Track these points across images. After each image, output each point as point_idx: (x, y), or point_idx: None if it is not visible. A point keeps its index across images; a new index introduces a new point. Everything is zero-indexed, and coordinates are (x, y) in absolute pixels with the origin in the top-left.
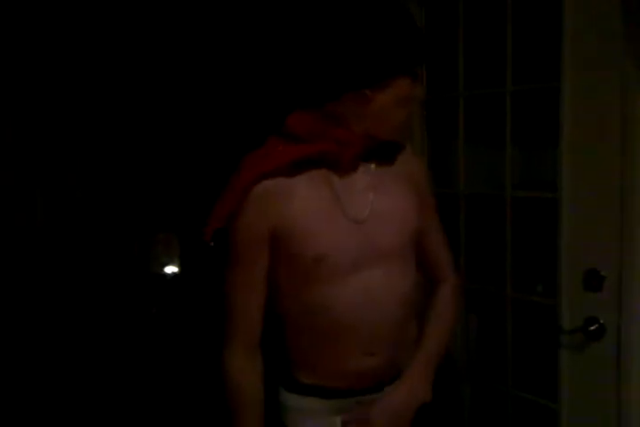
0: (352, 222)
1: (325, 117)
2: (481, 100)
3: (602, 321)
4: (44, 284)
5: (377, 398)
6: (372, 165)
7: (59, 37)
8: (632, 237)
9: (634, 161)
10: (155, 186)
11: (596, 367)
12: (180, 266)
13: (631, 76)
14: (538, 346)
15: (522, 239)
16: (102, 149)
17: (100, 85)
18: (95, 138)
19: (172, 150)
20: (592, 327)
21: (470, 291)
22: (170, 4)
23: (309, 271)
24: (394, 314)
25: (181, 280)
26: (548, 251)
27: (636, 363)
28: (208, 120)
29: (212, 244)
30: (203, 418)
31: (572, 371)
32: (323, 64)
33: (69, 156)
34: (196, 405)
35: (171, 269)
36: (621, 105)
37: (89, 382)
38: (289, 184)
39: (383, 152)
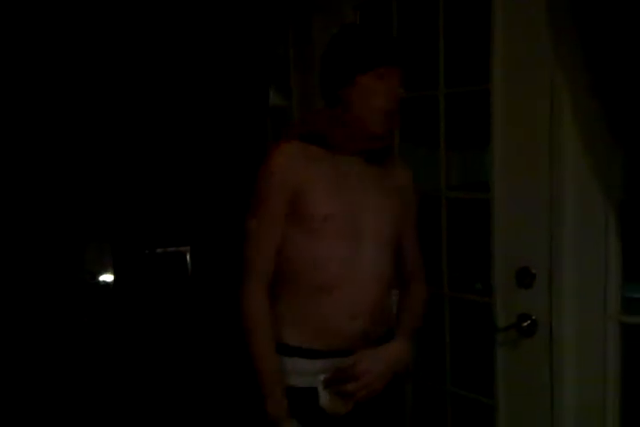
0: (352, 196)
1: (330, 117)
2: (416, 102)
3: (534, 317)
4: None
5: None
6: (373, 165)
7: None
8: (560, 236)
9: (562, 162)
10: (88, 193)
11: (530, 363)
12: (114, 275)
13: (559, 78)
14: (475, 344)
15: (459, 239)
16: (36, 153)
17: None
18: (32, 141)
19: (109, 157)
20: (525, 324)
21: None
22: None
23: (319, 228)
24: (375, 285)
25: (114, 289)
26: (485, 250)
27: (567, 357)
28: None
29: (147, 251)
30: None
31: (507, 367)
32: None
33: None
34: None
35: (103, 278)
36: (550, 107)
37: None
38: (306, 157)
39: (381, 156)
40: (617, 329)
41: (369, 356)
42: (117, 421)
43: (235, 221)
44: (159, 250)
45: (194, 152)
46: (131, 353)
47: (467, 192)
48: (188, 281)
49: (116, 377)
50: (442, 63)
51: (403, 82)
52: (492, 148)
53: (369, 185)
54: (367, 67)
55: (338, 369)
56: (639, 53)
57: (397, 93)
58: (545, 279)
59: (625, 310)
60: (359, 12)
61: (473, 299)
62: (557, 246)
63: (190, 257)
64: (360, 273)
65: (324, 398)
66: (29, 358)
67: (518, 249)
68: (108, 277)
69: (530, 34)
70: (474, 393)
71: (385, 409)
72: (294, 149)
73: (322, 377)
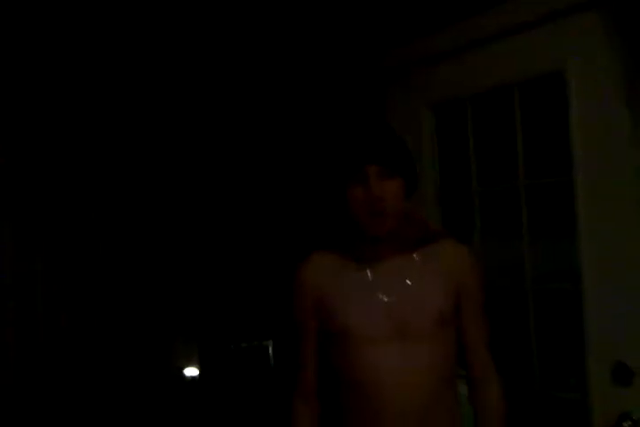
0: (384, 304)
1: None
2: (495, 194)
3: (635, 417)
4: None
5: None
6: (414, 255)
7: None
8: None
9: None
10: (176, 289)
11: None
12: (200, 369)
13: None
14: None
15: (550, 332)
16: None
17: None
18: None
19: (193, 256)
20: (626, 425)
21: None
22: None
23: (337, 339)
24: (421, 383)
25: (200, 383)
26: (578, 344)
27: None
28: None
29: (232, 346)
30: None
31: None
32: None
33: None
34: None
35: (190, 373)
36: (637, 192)
37: None
38: (331, 269)
39: (424, 242)
40: None
41: None
42: None
43: None
44: (244, 344)
45: (274, 246)
46: None
47: (556, 283)
48: (270, 374)
49: None
50: (521, 156)
51: (388, 175)
52: (579, 236)
53: (408, 279)
54: (341, 176)
55: None
56: None
57: (380, 194)
58: None
59: None
60: (434, 113)
61: (567, 397)
62: None
63: (273, 350)
64: (400, 373)
65: None
66: None
67: (613, 343)
68: (193, 371)
69: (607, 119)
70: None
71: None
72: (319, 261)
73: None
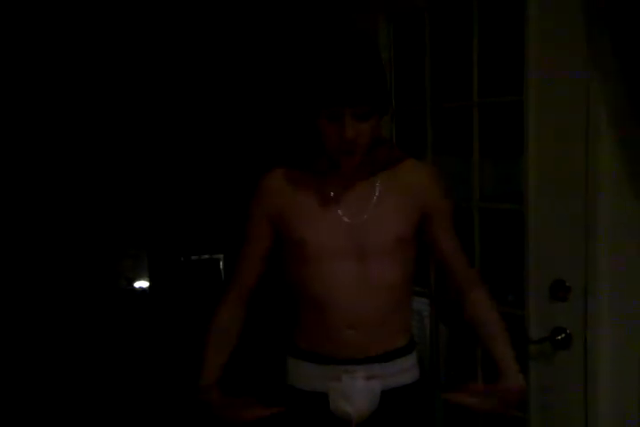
0: (344, 223)
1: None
2: (449, 112)
3: (569, 331)
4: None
5: (363, 369)
6: (378, 177)
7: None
8: (596, 248)
9: (597, 173)
10: (126, 201)
11: (564, 376)
12: (150, 281)
13: (594, 88)
14: None
15: (491, 251)
16: (77, 162)
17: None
18: (71, 148)
19: (146, 168)
20: (559, 337)
21: (440, 301)
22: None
23: (297, 254)
24: (372, 300)
25: (150, 295)
26: (518, 262)
27: (602, 370)
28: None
29: (182, 259)
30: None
31: (540, 380)
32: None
33: (44, 166)
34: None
35: (140, 284)
36: (586, 118)
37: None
38: (293, 182)
39: (387, 165)
40: None
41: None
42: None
43: None
44: (194, 257)
45: (229, 161)
46: (163, 357)
47: (500, 203)
48: (221, 287)
49: (147, 378)
50: (475, 74)
51: (364, 117)
52: (526, 159)
53: (370, 200)
54: (315, 109)
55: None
56: None
57: (354, 136)
58: (580, 293)
59: None
60: (392, 24)
61: (506, 311)
62: (593, 259)
63: (224, 264)
64: (357, 289)
65: (333, 401)
66: (63, 362)
67: (553, 261)
68: (143, 284)
69: (564, 42)
70: None
71: (405, 417)
72: (278, 176)
73: (332, 383)
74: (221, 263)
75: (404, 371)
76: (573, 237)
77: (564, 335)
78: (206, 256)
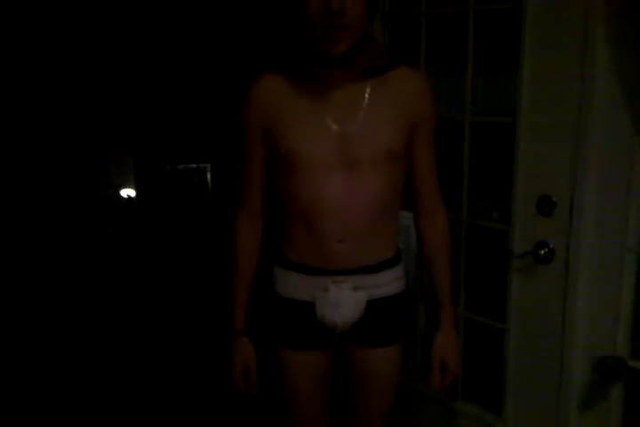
0: (333, 131)
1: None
2: (443, 19)
3: (551, 246)
4: None
5: (351, 280)
6: (369, 84)
7: None
8: (584, 165)
9: (592, 89)
10: (112, 106)
11: (544, 290)
12: (136, 189)
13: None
14: (490, 271)
15: (481, 166)
16: (61, 67)
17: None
18: (56, 56)
19: (132, 72)
20: (542, 251)
21: None
22: None
23: (285, 163)
24: (364, 210)
25: (137, 203)
26: (506, 178)
27: (581, 285)
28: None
29: (168, 167)
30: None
31: (521, 293)
32: None
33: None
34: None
35: (126, 192)
36: (583, 30)
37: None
38: (285, 91)
39: (379, 72)
40: (634, 261)
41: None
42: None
43: None
44: (180, 166)
45: (218, 70)
46: (150, 266)
47: (490, 117)
48: (208, 197)
49: (136, 291)
50: None
51: None
52: (521, 70)
53: (361, 107)
54: None
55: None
56: None
57: (340, 7)
58: (566, 208)
59: None
60: None
61: (491, 226)
62: (581, 176)
63: (211, 174)
64: (346, 202)
65: (320, 309)
66: (51, 271)
67: (540, 177)
68: (130, 192)
69: None
70: (486, 318)
71: (390, 333)
72: (272, 80)
73: (319, 293)
74: (208, 173)
75: (389, 282)
76: (562, 152)
77: (546, 250)
78: (193, 165)
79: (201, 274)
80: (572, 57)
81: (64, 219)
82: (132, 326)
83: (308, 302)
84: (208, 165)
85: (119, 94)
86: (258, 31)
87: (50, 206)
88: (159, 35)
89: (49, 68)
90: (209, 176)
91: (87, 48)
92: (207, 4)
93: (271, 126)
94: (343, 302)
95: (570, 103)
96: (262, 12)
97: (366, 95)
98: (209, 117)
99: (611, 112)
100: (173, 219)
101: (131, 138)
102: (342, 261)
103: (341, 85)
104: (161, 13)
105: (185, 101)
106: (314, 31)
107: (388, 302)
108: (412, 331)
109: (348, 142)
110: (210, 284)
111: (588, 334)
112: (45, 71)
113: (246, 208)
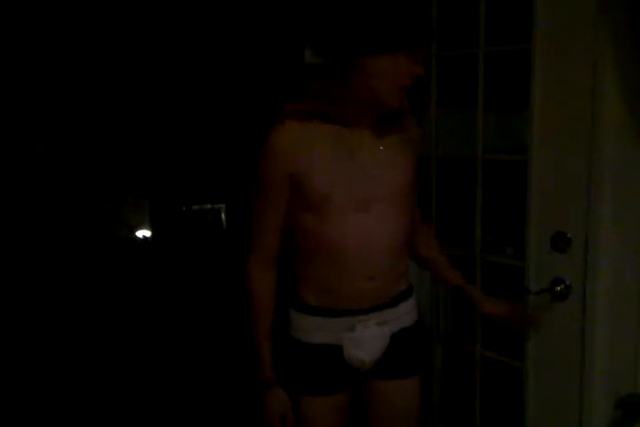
0: (359, 172)
1: (335, 82)
2: (454, 61)
3: (567, 282)
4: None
5: (375, 317)
6: (389, 126)
7: None
8: (598, 201)
9: (603, 125)
10: (128, 149)
11: (562, 327)
12: (152, 230)
13: (602, 38)
14: None
15: (493, 203)
16: (76, 111)
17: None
18: (71, 100)
19: (148, 115)
20: (558, 288)
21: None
22: None
23: (318, 208)
24: (391, 247)
25: (152, 244)
26: (519, 214)
27: (599, 321)
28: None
29: (184, 208)
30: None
31: (538, 331)
32: (337, 30)
33: (40, 117)
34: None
35: (142, 233)
36: (592, 67)
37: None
38: (308, 137)
39: (393, 118)
40: None
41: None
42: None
43: None
44: (195, 207)
45: (232, 110)
46: (165, 305)
47: (503, 154)
48: (222, 237)
49: (148, 327)
50: (482, 21)
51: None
52: (531, 108)
53: (380, 147)
54: (403, 46)
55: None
56: None
57: (420, 71)
58: (581, 244)
59: None
60: None
61: (506, 262)
62: (595, 211)
63: (225, 214)
64: (374, 239)
65: (347, 350)
66: (64, 310)
67: (554, 213)
68: (145, 233)
69: None
70: (503, 356)
71: (409, 364)
72: (293, 129)
73: (346, 334)
74: (223, 213)
75: (407, 313)
76: (575, 188)
77: (562, 286)
78: (208, 206)
79: (215, 315)
80: (582, 95)
81: (81, 260)
82: (148, 366)
83: (333, 345)
84: (223, 206)
85: (136, 136)
86: (268, 75)
87: (66, 248)
88: (177, 69)
89: (69, 108)
90: (223, 216)
91: (105, 88)
92: (227, 44)
93: (299, 174)
94: (371, 339)
95: (580, 138)
96: (279, 55)
97: (388, 135)
98: (223, 158)
99: (622, 146)
100: (188, 259)
101: (146, 179)
102: (371, 299)
103: (363, 126)
104: (185, 48)
105: (199, 142)
106: (380, 86)
107: (407, 333)
108: (429, 369)
109: (372, 181)
110: (224, 324)
111: (608, 371)
112: (64, 112)
113: (261, 252)
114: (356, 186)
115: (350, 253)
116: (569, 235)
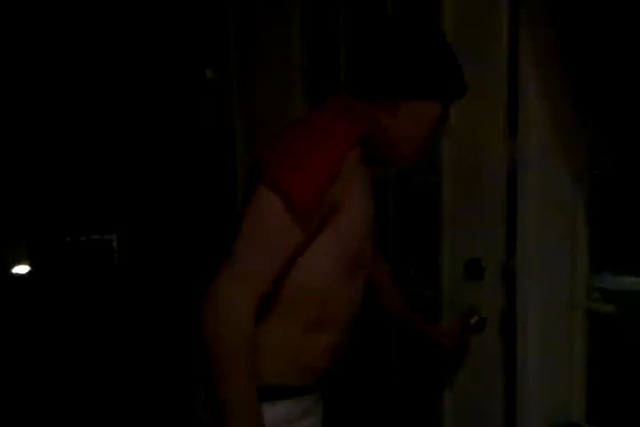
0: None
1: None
2: None
3: (482, 313)
4: None
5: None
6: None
7: None
8: (516, 229)
9: (523, 140)
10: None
11: (483, 360)
12: (31, 265)
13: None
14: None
15: (406, 228)
16: None
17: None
18: None
19: (29, 143)
20: (472, 320)
21: None
22: None
23: (326, 264)
24: (354, 323)
25: (31, 280)
26: (433, 240)
27: (528, 351)
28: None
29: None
30: None
31: (456, 364)
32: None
33: None
34: None
35: (17, 270)
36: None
37: None
38: (360, 173)
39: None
40: (584, 317)
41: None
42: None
43: (165, 208)
44: (82, 238)
45: (124, 133)
46: (48, 346)
47: (416, 175)
48: (113, 272)
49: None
50: None
51: None
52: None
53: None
54: (452, 95)
55: None
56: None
57: (448, 126)
58: (495, 271)
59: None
60: None
61: (417, 292)
62: (519, 236)
63: (117, 245)
64: (349, 313)
65: None
66: None
67: (469, 241)
68: (23, 269)
69: None
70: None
71: None
72: (358, 159)
73: (305, 423)
74: (114, 244)
75: None
76: (489, 216)
77: (477, 319)
78: (96, 236)
79: (101, 365)
80: (500, 102)
81: None
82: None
83: None
84: (114, 236)
85: (12, 159)
86: (160, 94)
87: None
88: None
89: None
90: (115, 247)
91: None
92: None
93: (339, 212)
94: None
95: (499, 154)
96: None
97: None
98: (115, 183)
99: (547, 164)
100: (72, 297)
101: (22, 207)
102: (327, 369)
103: (374, 168)
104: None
105: (87, 166)
106: (418, 138)
107: None
108: None
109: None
110: (117, 365)
111: (540, 404)
112: None
113: (253, 282)
114: (370, 240)
115: (333, 321)
116: (483, 263)
